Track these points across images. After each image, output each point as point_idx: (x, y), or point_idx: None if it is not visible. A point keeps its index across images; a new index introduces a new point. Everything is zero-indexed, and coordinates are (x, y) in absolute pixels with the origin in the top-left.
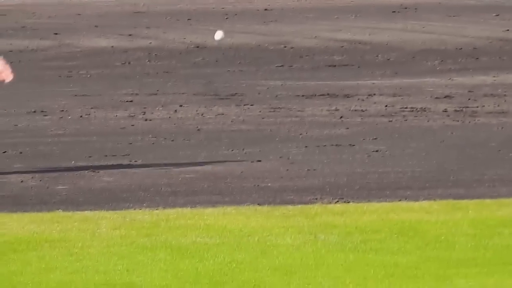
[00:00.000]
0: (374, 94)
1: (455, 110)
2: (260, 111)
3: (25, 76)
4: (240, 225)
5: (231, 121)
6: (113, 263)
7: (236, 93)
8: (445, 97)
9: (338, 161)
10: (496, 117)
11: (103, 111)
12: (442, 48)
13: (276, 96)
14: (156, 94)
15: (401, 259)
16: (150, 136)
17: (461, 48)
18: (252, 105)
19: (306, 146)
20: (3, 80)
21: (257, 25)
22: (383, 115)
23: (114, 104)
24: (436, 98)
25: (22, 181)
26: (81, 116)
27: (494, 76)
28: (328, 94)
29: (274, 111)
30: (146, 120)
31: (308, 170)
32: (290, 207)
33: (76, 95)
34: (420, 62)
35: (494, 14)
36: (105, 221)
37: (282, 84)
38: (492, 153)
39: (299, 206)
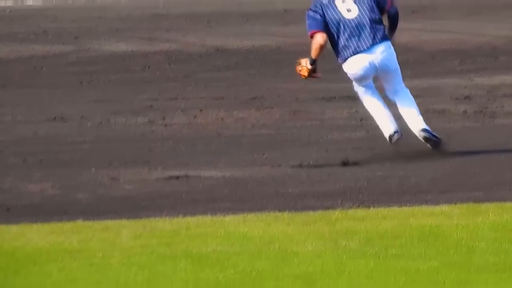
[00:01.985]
0: None
1: (475, 111)
2: (280, 115)
3: (47, 82)
4: (260, 232)
5: (251, 126)
6: (133, 273)
7: (256, 97)
8: (465, 98)
9: (358, 165)
10: None
11: (122, 117)
12: (461, 48)
13: (296, 99)
14: (176, 98)
15: (422, 265)
16: (170, 141)
17: (481, 48)
18: (272, 108)
19: (326, 150)
20: None
21: (277, 27)
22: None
23: (134, 110)
24: (456, 99)
25: (41, 190)
26: (101, 122)
27: None
28: (348, 96)
29: (294, 114)
30: (166, 125)
31: (328, 174)
32: (311, 213)
33: (96, 101)
34: (439, 63)
35: None
36: (125, 230)
37: (302, 87)
38: None
39: (320, 211)
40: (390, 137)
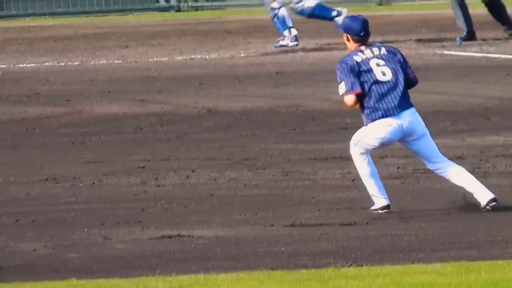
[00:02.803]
0: (386, 156)
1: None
2: (272, 175)
3: (39, 144)
4: None
5: (244, 186)
6: None
7: (248, 157)
8: (457, 158)
9: (351, 225)
10: (508, 177)
11: (115, 177)
12: (453, 109)
13: (288, 159)
14: (168, 159)
15: None
16: (163, 202)
17: (472, 109)
18: (264, 169)
19: (318, 210)
20: None
21: (269, 89)
22: (395, 177)
23: (126, 171)
24: (448, 159)
25: (34, 250)
26: (93, 183)
27: (506, 137)
28: (340, 157)
29: (286, 175)
30: (158, 186)
31: (321, 233)
32: (303, 271)
33: (88, 162)
34: (431, 123)
35: (505, 74)
36: None
37: (294, 148)
38: (504, 214)
39: (313, 270)
40: (382, 209)
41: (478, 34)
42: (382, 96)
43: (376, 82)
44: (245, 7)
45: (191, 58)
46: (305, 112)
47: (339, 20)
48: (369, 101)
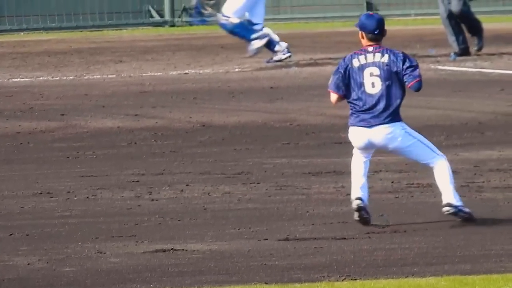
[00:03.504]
0: (380, 171)
1: (461, 186)
2: (266, 189)
3: (33, 158)
4: None
5: (238, 200)
6: None
7: (242, 172)
8: None
9: (345, 239)
10: (502, 192)
11: (109, 191)
12: (447, 123)
13: (283, 174)
14: (162, 174)
15: None
16: (157, 216)
17: (466, 123)
18: (258, 183)
19: (312, 224)
20: None
21: (263, 103)
22: (389, 192)
23: (121, 185)
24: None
25: (28, 264)
26: (87, 197)
27: (500, 151)
28: (334, 171)
29: (280, 189)
30: (152, 200)
31: (315, 247)
32: (297, 285)
33: (82, 176)
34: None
35: (499, 89)
36: None
37: (288, 162)
38: (499, 228)
39: (306, 284)
40: (353, 199)
41: (472, 49)
42: (364, 106)
43: (363, 92)
44: None
45: (185, 73)
46: (299, 127)
47: (256, 44)
48: (353, 106)
